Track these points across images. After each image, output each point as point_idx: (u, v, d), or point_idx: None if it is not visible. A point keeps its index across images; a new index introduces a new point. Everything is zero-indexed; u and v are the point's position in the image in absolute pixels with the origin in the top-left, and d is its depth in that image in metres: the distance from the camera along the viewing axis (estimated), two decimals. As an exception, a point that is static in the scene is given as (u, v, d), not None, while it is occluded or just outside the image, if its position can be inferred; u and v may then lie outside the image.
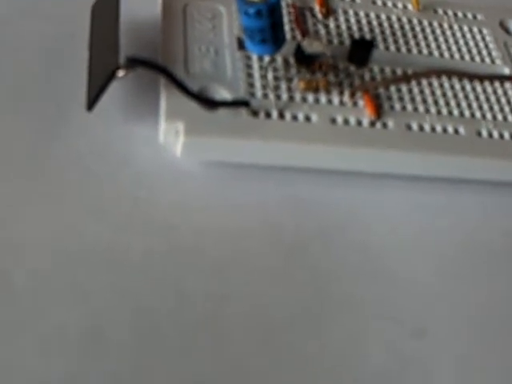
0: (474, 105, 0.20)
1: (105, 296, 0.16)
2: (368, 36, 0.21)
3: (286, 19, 0.20)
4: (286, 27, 0.20)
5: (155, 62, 0.17)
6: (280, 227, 0.18)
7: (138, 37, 0.20)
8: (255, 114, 0.18)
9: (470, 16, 0.23)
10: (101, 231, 0.17)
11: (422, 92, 0.20)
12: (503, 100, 0.20)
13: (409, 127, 0.19)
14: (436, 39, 0.21)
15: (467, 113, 0.20)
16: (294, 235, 0.18)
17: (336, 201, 0.19)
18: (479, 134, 0.20)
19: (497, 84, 0.21)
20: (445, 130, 0.19)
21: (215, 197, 0.18)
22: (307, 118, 0.18)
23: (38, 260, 0.16)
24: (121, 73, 0.17)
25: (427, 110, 0.20)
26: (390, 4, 0.22)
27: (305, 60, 0.18)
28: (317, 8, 0.21)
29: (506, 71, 0.21)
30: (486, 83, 0.21)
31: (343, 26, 0.21)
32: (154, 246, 0.17)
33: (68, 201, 0.17)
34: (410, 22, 0.22)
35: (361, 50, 0.19)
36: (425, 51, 0.21)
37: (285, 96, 0.19)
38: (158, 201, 0.17)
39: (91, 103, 0.18)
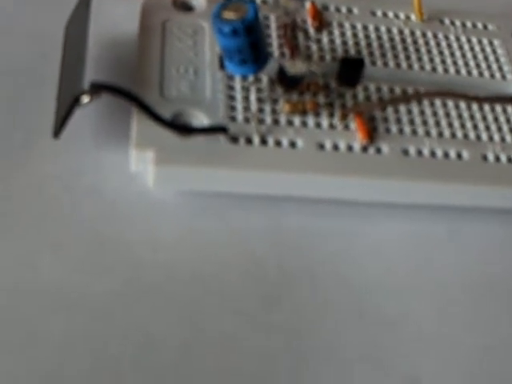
0: (481, 126, 0.18)
1: (61, 341, 0.15)
2: (364, 51, 0.19)
3: (274, 34, 0.19)
4: (275, 43, 0.19)
5: (122, 88, 0.16)
6: (261, 263, 0.17)
7: (116, 56, 0.19)
8: (234, 140, 0.17)
9: (480, 26, 0.21)
10: (60, 269, 0.15)
11: (422, 113, 0.18)
12: (513, 119, 0.19)
13: (405, 152, 0.17)
14: (441, 53, 0.20)
15: (472, 135, 0.18)
16: (276, 271, 0.16)
17: (324, 232, 0.17)
18: (485, 158, 0.18)
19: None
20: (446, 155, 0.18)
21: (189, 230, 0.16)
22: (292, 144, 0.17)
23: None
24: (85, 99, 0.16)
25: (427, 133, 0.18)
26: (391, 14, 0.20)
27: (288, 82, 0.17)
28: (309, 21, 0.19)
29: (518, 87, 0.19)
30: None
31: (337, 41, 0.19)
32: (117, 287, 0.15)
33: (28, 234, 0.16)
34: (412, 34, 0.20)
35: (350, 69, 0.17)
36: (427, 67, 0.19)
37: (269, 119, 0.17)
38: (123, 235, 0.16)
39: (57, 130, 0.16)
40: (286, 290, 0.16)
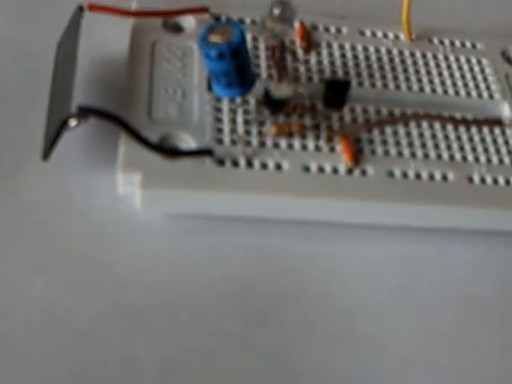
0: (467, 147, 0.18)
1: (45, 360, 0.15)
2: (352, 72, 0.19)
3: (262, 55, 0.19)
4: (263, 63, 0.19)
5: (109, 112, 0.16)
6: (246, 284, 0.17)
7: (106, 76, 0.19)
8: (221, 162, 0.17)
9: (468, 45, 0.21)
10: (47, 290, 0.16)
11: (408, 134, 0.18)
12: (500, 140, 0.19)
13: (391, 174, 0.18)
14: (429, 72, 0.20)
15: (458, 156, 0.18)
16: (261, 292, 0.17)
17: (310, 254, 0.17)
18: (470, 179, 0.18)
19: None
20: (431, 177, 0.18)
21: (175, 252, 0.17)
22: (278, 166, 0.17)
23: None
24: (73, 122, 0.16)
25: (413, 154, 0.18)
26: (379, 34, 0.20)
27: (274, 104, 0.17)
28: (297, 41, 0.20)
29: (505, 107, 0.20)
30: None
31: (325, 61, 0.19)
32: (101, 308, 0.16)
33: (14, 255, 0.16)
34: (400, 53, 0.20)
35: (336, 91, 0.18)
36: (415, 87, 0.19)
37: (255, 142, 0.17)
38: (110, 257, 0.16)
39: (46, 152, 0.17)
40: (272, 311, 0.16)
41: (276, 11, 0.17)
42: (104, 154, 0.18)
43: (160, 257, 0.17)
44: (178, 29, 0.19)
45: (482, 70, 0.20)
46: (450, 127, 0.19)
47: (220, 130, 0.17)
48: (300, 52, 0.19)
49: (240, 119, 0.18)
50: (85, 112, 0.16)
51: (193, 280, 0.16)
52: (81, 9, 0.18)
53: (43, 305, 0.15)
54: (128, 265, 0.16)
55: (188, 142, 0.17)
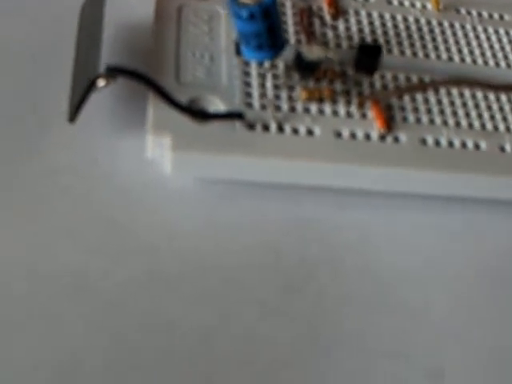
0: (498, 116, 0.18)
1: (79, 327, 0.14)
2: (381, 39, 0.19)
3: (290, 20, 0.19)
4: (291, 29, 0.18)
5: (138, 71, 0.16)
6: (280, 251, 0.16)
7: (131, 40, 0.19)
8: (251, 127, 0.16)
9: (496, 16, 0.21)
10: (77, 256, 0.15)
11: (439, 102, 0.18)
12: (530, 110, 0.19)
13: (423, 142, 0.17)
14: (457, 42, 0.19)
15: (490, 125, 0.18)
16: (295, 260, 0.16)
17: (342, 222, 0.17)
18: (502, 149, 0.18)
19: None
20: (464, 145, 0.17)
21: (206, 217, 0.16)
22: (309, 132, 0.17)
23: (9, 283, 0.15)
24: (101, 82, 0.16)
25: (445, 122, 0.18)
26: (407, 3, 0.20)
27: (305, 68, 0.17)
28: (325, 8, 0.19)
29: (535, 78, 0.19)
30: (512, 92, 0.19)
31: (354, 28, 0.19)
32: (132, 274, 0.15)
33: (42, 219, 0.16)
34: (428, 23, 0.20)
35: (368, 56, 0.17)
36: (444, 56, 0.19)
37: (285, 106, 0.17)
38: (139, 221, 0.16)
39: (73, 114, 0.16)
40: (307, 280, 0.16)
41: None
42: (130, 116, 0.17)
43: (191, 223, 0.16)
44: (203, -7, 0.19)
45: (511, 41, 0.20)
46: (480, 96, 0.18)
47: (249, 94, 0.17)
48: (328, 18, 0.19)
49: (269, 83, 0.17)
50: (113, 72, 0.16)
51: (225, 247, 0.16)
52: (105, -29, 0.18)
53: (73, 270, 0.15)
54: (156, 230, 0.16)
55: (217, 105, 0.17)
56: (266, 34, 0.16)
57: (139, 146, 0.17)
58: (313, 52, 0.17)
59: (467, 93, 0.18)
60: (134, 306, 0.15)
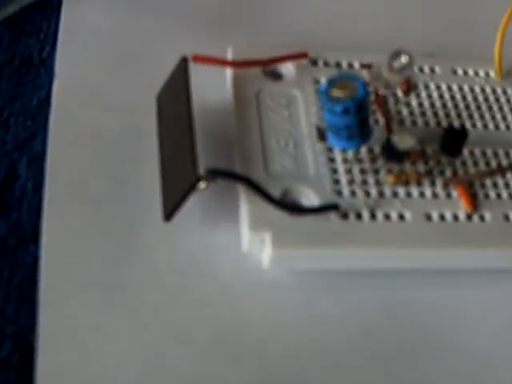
0: None
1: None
2: (453, 114, 0.19)
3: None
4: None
5: (237, 173, 0.16)
6: (379, 337, 0.17)
7: (209, 128, 0.19)
8: (345, 216, 0.17)
9: (553, 78, 0.21)
10: (186, 359, 0.15)
11: (517, 176, 0.18)
12: None
13: (506, 218, 0.18)
14: (524, 111, 0.20)
15: None
16: (395, 345, 0.17)
17: (439, 302, 0.17)
18: None
19: None
20: (546, 219, 0.18)
21: (307, 308, 0.16)
22: (401, 216, 0.17)
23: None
24: (202, 185, 0.16)
25: (525, 196, 0.18)
26: (471, 72, 0.20)
27: (395, 155, 0.17)
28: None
29: None
30: None
31: (426, 103, 0.19)
32: (248, 376, 0.15)
33: (150, 323, 0.16)
34: (494, 91, 0.20)
35: (454, 141, 0.17)
36: (513, 126, 0.19)
37: (373, 191, 0.17)
38: (246, 318, 0.16)
39: (169, 214, 0.16)
40: (407, 364, 0.16)
41: (396, 63, 0.17)
42: (220, 210, 0.17)
43: (293, 315, 0.16)
44: (276, 76, 0.19)
45: None
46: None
47: (337, 181, 0.17)
48: (400, 95, 0.19)
49: (356, 169, 0.17)
50: (214, 174, 0.16)
51: (325, 336, 0.16)
52: (184, 60, 0.18)
53: (185, 376, 0.15)
54: (265, 330, 0.16)
55: (309, 196, 0.17)
56: (358, 126, 0.16)
57: (232, 239, 0.17)
58: (404, 142, 0.17)
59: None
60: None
